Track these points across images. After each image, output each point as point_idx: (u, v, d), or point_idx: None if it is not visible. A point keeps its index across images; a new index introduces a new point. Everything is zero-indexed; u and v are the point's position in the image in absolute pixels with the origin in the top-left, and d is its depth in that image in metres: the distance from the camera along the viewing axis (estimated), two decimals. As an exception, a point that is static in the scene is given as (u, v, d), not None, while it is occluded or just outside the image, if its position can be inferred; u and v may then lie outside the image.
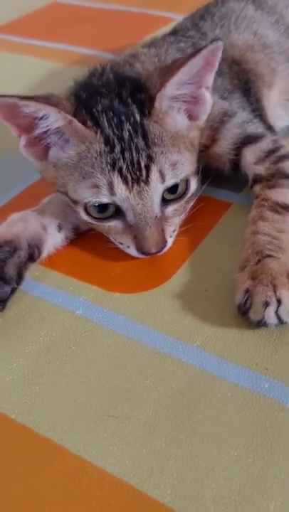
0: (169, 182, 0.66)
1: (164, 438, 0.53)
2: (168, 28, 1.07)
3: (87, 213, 0.68)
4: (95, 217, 0.68)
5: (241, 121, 0.76)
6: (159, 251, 0.67)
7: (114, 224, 0.68)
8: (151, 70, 0.69)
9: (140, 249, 0.66)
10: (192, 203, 0.73)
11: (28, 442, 0.54)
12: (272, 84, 0.86)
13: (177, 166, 0.65)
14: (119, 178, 0.63)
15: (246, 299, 0.61)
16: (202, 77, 0.66)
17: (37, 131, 0.66)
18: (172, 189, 0.67)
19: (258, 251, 0.64)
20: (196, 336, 0.62)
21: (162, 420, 0.54)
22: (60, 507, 0.49)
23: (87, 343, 0.63)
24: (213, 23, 0.89)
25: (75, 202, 0.69)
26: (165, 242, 0.67)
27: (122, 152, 0.64)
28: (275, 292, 0.59)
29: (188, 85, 0.65)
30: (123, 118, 0.65)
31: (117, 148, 0.64)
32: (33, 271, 0.72)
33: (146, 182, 0.64)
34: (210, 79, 0.67)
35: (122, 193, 0.64)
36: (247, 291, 0.61)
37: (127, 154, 0.63)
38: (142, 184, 0.64)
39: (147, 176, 0.64)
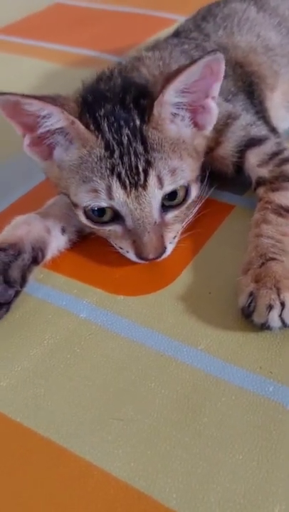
0: (168, 188, 0.66)
1: (169, 441, 0.53)
2: (169, 29, 1.07)
3: (87, 217, 0.69)
4: (94, 221, 0.69)
5: (245, 123, 0.77)
6: (158, 257, 0.67)
7: (114, 228, 0.68)
8: (158, 76, 0.70)
9: (139, 254, 0.67)
10: (196, 210, 0.73)
11: (34, 445, 0.54)
12: (275, 87, 0.86)
13: (177, 172, 0.66)
14: (118, 183, 0.64)
15: (250, 302, 0.61)
16: (208, 86, 0.66)
17: (40, 130, 0.66)
18: (172, 195, 0.67)
19: (262, 254, 0.64)
20: (200, 339, 0.62)
21: (167, 423, 0.55)
22: (65, 509, 0.49)
23: (92, 346, 0.63)
24: (216, 24, 0.89)
25: (76, 205, 0.69)
26: (164, 248, 0.67)
27: (121, 157, 0.64)
28: (278, 295, 0.59)
29: (188, 94, 0.66)
30: (122, 123, 0.65)
31: (116, 153, 0.64)
32: (37, 273, 0.72)
33: (144, 187, 0.64)
34: (216, 89, 0.67)
35: (120, 198, 0.64)
36: (251, 294, 0.61)
37: (125, 159, 0.64)
38: (140, 189, 0.64)
39: (145, 180, 0.64)
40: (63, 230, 0.75)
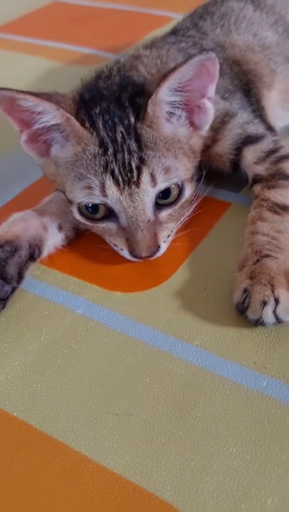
0: (161, 186, 0.66)
1: (164, 435, 0.54)
2: (167, 27, 1.07)
3: (81, 214, 0.69)
4: (88, 218, 0.69)
5: (242, 121, 0.77)
6: (151, 255, 0.67)
7: (108, 226, 0.69)
8: (155, 75, 0.70)
9: (132, 252, 0.67)
10: (193, 208, 0.73)
11: (30, 439, 0.55)
12: (272, 85, 0.86)
13: (171, 170, 0.66)
14: (111, 180, 0.64)
15: (244, 298, 0.61)
16: (204, 86, 0.67)
17: (35, 126, 0.67)
18: (165, 194, 0.67)
19: (257, 251, 0.65)
20: (196, 334, 0.63)
21: (162, 417, 0.55)
22: (61, 503, 0.50)
23: (88, 341, 0.64)
24: (213, 22, 0.89)
25: (70, 202, 0.70)
26: (157, 246, 0.68)
27: (115, 154, 0.65)
28: (273, 292, 0.60)
29: (182, 92, 0.66)
30: (117, 121, 0.66)
31: (110, 151, 0.65)
32: (34, 270, 0.73)
33: (137, 184, 0.64)
34: (212, 89, 0.68)
35: (113, 195, 0.65)
36: (245, 290, 0.62)
37: (119, 156, 0.64)
38: (133, 186, 0.64)
39: (138, 177, 0.64)
40: (60, 227, 0.76)
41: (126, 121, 0.66)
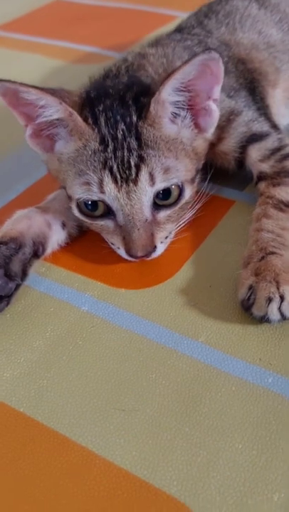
0: (159, 185, 0.66)
1: (170, 430, 0.54)
2: (170, 25, 1.07)
3: (80, 210, 0.70)
4: (86, 215, 0.69)
5: (247, 119, 0.77)
6: (147, 255, 0.67)
7: (106, 223, 0.69)
8: (162, 75, 0.70)
9: (128, 251, 0.67)
10: (194, 211, 0.73)
11: (36, 435, 0.55)
12: (277, 83, 0.87)
13: (170, 171, 0.66)
14: (109, 177, 0.64)
15: (249, 295, 0.62)
16: (209, 88, 0.67)
17: (38, 120, 0.67)
18: (165, 194, 0.67)
19: (262, 248, 0.65)
20: (201, 331, 0.63)
21: (167, 413, 0.56)
22: (68, 498, 0.50)
23: (94, 338, 0.64)
24: (218, 21, 0.89)
25: (70, 198, 0.70)
26: (153, 247, 0.67)
27: (114, 151, 0.65)
28: (278, 288, 0.60)
29: (186, 92, 0.66)
30: (119, 118, 0.66)
31: (110, 147, 0.65)
32: (39, 267, 0.73)
33: (135, 182, 0.64)
34: (217, 91, 0.68)
35: (111, 192, 0.65)
36: (250, 287, 0.62)
37: (118, 153, 0.64)
38: (131, 184, 0.64)
39: (136, 176, 0.64)
40: (64, 225, 0.76)
41: (128, 119, 0.66)
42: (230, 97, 0.78)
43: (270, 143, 0.76)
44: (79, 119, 0.66)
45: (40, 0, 1.71)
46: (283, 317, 0.61)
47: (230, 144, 0.77)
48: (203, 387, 0.58)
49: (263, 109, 0.81)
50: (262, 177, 0.74)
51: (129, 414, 0.56)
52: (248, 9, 0.92)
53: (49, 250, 0.74)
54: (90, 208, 0.68)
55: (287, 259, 0.63)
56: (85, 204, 0.68)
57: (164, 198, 0.67)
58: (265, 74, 0.85)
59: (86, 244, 0.77)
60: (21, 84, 0.64)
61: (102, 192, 0.65)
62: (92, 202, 0.67)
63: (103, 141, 0.65)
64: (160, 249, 0.69)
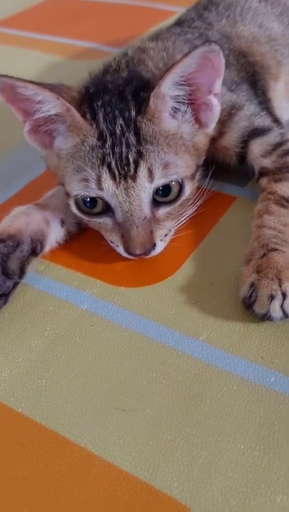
0: (158, 182, 0.65)
1: (170, 431, 0.53)
2: (168, 21, 1.06)
3: (78, 207, 0.69)
4: (84, 212, 0.68)
5: (249, 114, 0.76)
6: (146, 253, 0.66)
7: (104, 221, 0.68)
8: (162, 69, 0.69)
9: (126, 249, 0.66)
10: (195, 208, 0.72)
11: (35, 435, 0.54)
12: (278, 77, 0.85)
13: (170, 166, 0.65)
14: (107, 173, 0.63)
15: (251, 293, 0.61)
16: (210, 82, 0.65)
17: (36, 116, 0.66)
18: (165, 191, 0.66)
19: (264, 244, 0.64)
20: (202, 329, 0.62)
21: (168, 413, 0.55)
22: (67, 500, 0.49)
23: (93, 337, 0.63)
24: (219, 13, 0.88)
25: (68, 194, 0.69)
26: (153, 244, 0.66)
27: (113, 147, 0.64)
28: (280, 286, 0.59)
29: (186, 86, 0.65)
30: (117, 113, 0.65)
31: (108, 143, 0.64)
32: (37, 265, 0.72)
33: (134, 178, 0.63)
34: (218, 85, 0.66)
35: (109, 188, 0.64)
36: (252, 284, 0.61)
37: (117, 149, 0.63)
38: (130, 180, 0.63)
39: (135, 172, 0.63)
40: (62, 222, 0.75)
41: (126, 114, 0.65)
42: (231, 91, 0.77)
43: (272, 138, 0.75)
44: (77, 114, 0.65)
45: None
46: (285, 315, 0.60)
47: (231, 138, 0.76)
48: (204, 386, 0.57)
49: (264, 103, 0.80)
50: (264, 172, 0.73)
51: (129, 414, 0.55)
52: (249, 2, 0.91)
53: (47, 248, 0.73)
54: (89, 205, 0.67)
55: (290, 256, 0.62)
56: (84, 201, 0.67)
57: (163, 195, 0.66)
58: (266, 67, 0.84)
59: (85, 242, 0.76)
60: (18, 79, 0.63)
61: (100, 189, 0.64)
62: (90, 199, 0.66)
63: (101, 137, 0.64)
64: (160, 247, 0.68)
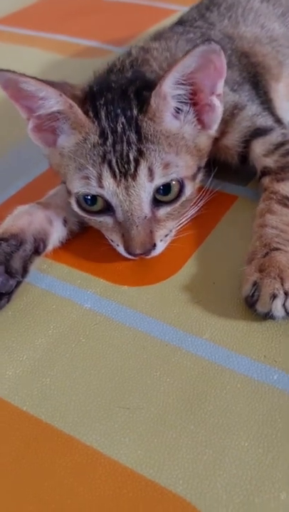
0: (159, 181, 0.65)
1: (175, 429, 0.54)
2: (169, 20, 1.06)
3: (79, 205, 0.69)
4: (85, 210, 0.69)
5: (251, 114, 0.76)
6: (146, 253, 0.66)
7: (105, 220, 0.68)
8: (166, 69, 0.69)
9: (126, 248, 0.66)
10: (196, 209, 0.72)
11: (40, 434, 0.54)
12: (280, 78, 0.86)
13: (170, 166, 0.65)
14: (108, 171, 0.64)
15: (254, 292, 0.61)
16: (212, 83, 0.66)
17: (39, 112, 0.66)
18: (165, 190, 0.66)
19: (266, 244, 0.64)
20: (205, 328, 0.63)
21: (172, 411, 0.55)
22: (73, 498, 0.49)
23: (97, 335, 0.63)
24: (220, 13, 0.88)
25: (69, 192, 0.69)
26: (153, 244, 0.66)
27: (114, 145, 0.64)
28: (282, 285, 0.60)
29: (187, 86, 0.65)
30: (119, 112, 0.65)
31: (109, 141, 0.64)
32: (40, 264, 0.72)
33: (134, 177, 0.63)
34: (220, 86, 0.66)
35: (109, 187, 0.64)
36: (254, 283, 0.61)
37: (118, 147, 0.64)
38: (130, 179, 0.64)
39: (135, 170, 0.63)
40: (65, 221, 0.75)
41: (128, 113, 0.65)
42: (233, 91, 0.77)
43: (274, 137, 0.75)
44: (79, 111, 0.65)
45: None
46: (288, 314, 0.60)
47: (233, 138, 0.76)
48: (207, 384, 0.57)
49: (266, 104, 0.80)
50: (266, 172, 0.73)
51: (134, 412, 0.55)
52: (250, 2, 0.91)
53: (50, 247, 0.74)
54: (89, 203, 0.67)
55: (292, 256, 0.63)
56: (84, 199, 0.67)
57: (164, 194, 0.66)
58: (268, 68, 0.84)
59: (87, 241, 0.76)
60: (21, 74, 0.63)
61: (101, 186, 0.64)
62: (91, 197, 0.66)
63: (103, 134, 0.65)
64: (160, 247, 0.68)
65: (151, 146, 0.64)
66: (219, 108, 0.68)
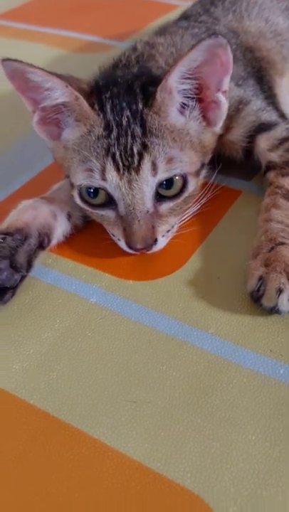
0: (162, 176, 0.65)
1: (182, 422, 0.54)
2: (171, 15, 1.06)
3: (81, 198, 0.69)
4: (88, 203, 0.68)
5: (256, 108, 0.76)
6: (147, 248, 0.66)
7: (107, 213, 0.68)
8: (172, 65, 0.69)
9: (128, 243, 0.66)
10: (199, 206, 0.72)
11: (48, 427, 0.54)
12: (284, 72, 0.86)
13: (174, 161, 0.64)
14: (111, 164, 0.63)
15: (259, 286, 0.61)
16: (218, 78, 0.65)
17: (44, 103, 0.66)
18: (168, 185, 0.66)
19: (271, 238, 0.64)
20: (210, 322, 0.63)
21: (179, 405, 0.55)
22: (80, 491, 0.49)
23: (103, 330, 0.63)
24: (225, 8, 0.88)
25: (72, 185, 0.69)
26: (154, 239, 0.66)
27: (118, 138, 0.64)
28: (288, 279, 0.60)
29: (193, 80, 0.65)
30: (125, 105, 0.65)
31: (114, 134, 0.64)
32: (45, 258, 0.72)
33: (137, 170, 0.63)
34: (226, 83, 0.66)
35: (112, 179, 0.64)
36: (260, 278, 0.61)
37: (122, 140, 0.64)
38: (133, 172, 0.63)
39: (139, 164, 0.63)
40: (69, 216, 0.75)
41: (133, 107, 0.65)
42: (238, 86, 0.77)
43: (279, 132, 0.75)
44: (85, 103, 0.65)
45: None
46: (294, 308, 0.60)
47: (238, 133, 0.76)
48: (214, 378, 0.57)
49: (270, 98, 0.80)
50: (271, 167, 0.73)
51: (141, 405, 0.55)
52: (255, -4, 0.91)
53: (54, 242, 0.73)
54: (92, 196, 0.67)
55: (297, 250, 0.63)
56: (87, 192, 0.67)
57: (167, 188, 0.66)
58: (272, 63, 0.84)
59: (92, 237, 0.76)
60: (28, 64, 0.63)
61: (104, 179, 0.64)
62: (93, 190, 0.66)
63: (107, 127, 0.65)
64: (161, 243, 0.68)
65: (156, 140, 0.64)
66: (225, 105, 0.68)
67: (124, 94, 0.66)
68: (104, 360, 0.60)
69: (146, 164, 0.63)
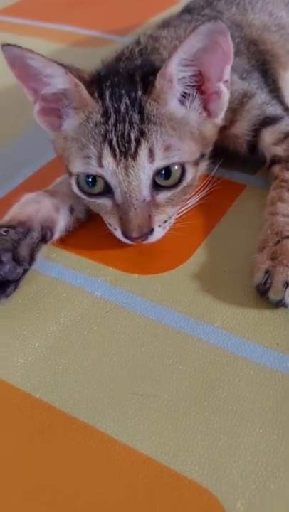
0: (159, 163, 0.64)
1: (189, 415, 0.53)
2: (170, 10, 1.05)
3: (79, 186, 0.68)
4: (85, 192, 0.68)
5: (261, 102, 0.76)
6: (142, 237, 0.65)
7: (104, 202, 0.67)
8: None
9: (124, 232, 0.65)
10: (199, 197, 0.72)
11: (55, 420, 0.54)
12: (288, 66, 0.85)
13: (172, 149, 0.64)
14: (108, 150, 0.63)
15: (266, 279, 0.61)
16: (219, 68, 0.65)
17: (44, 91, 0.66)
18: (166, 174, 0.65)
19: (278, 232, 0.64)
20: (216, 316, 0.63)
21: (186, 398, 0.55)
22: (88, 483, 0.49)
23: (108, 323, 0.63)
24: (228, 1, 0.88)
25: (70, 174, 0.69)
26: (150, 229, 0.65)
27: (116, 124, 0.63)
28: (295, 273, 0.60)
29: (193, 67, 0.64)
30: (124, 92, 0.65)
31: (112, 120, 0.64)
32: (49, 252, 0.72)
33: (134, 157, 0.63)
34: (227, 71, 0.66)
35: (109, 166, 0.63)
36: (267, 271, 0.61)
37: (119, 126, 0.63)
38: (130, 159, 0.63)
39: (136, 150, 0.63)
40: (72, 209, 0.74)
41: (132, 94, 0.65)
42: (242, 79, 0.77)
43: (284, 126, 0.75)
44: (84, 91, 0.65)
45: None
46: (300, 302, 0.60)
47: (243, 127, 0.75)
48: (220, 371, 0.57)
49: (275, 92, 0.80)
50: (276, 160, 0.73)
51: (147, 399, 0.55)
52: (258, -10, 0.91)
53: (57, 235, 0.73)
54: (90, 185, 0.67)
55: (303, 244, 0.63)
56: (86, 180, 0.67)
57: (165, 178, 0.65)
58: (276, 56, 0.84)
59: (96, 230, 0.75)
60: (28, 50, 0.63)
61: (101, 166, 0.64)
62: (92, 178, 0.66)
63: (105, 114, 0.64)
64: (158, 233, 0.67)
65: (154, 127, 0.63)
66: (226, 95, 0.68)
67: (124, 82, 0.66)
68: (110, 354, 0.59)
69: (143, 151, 0.63)
